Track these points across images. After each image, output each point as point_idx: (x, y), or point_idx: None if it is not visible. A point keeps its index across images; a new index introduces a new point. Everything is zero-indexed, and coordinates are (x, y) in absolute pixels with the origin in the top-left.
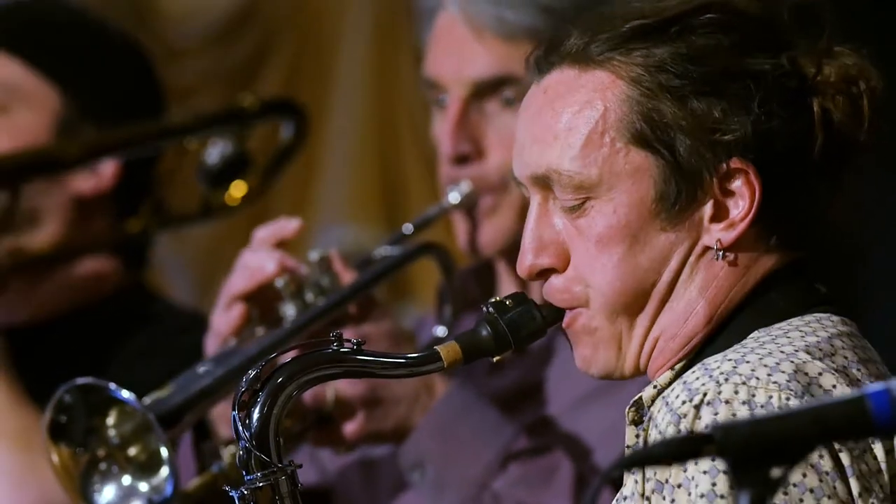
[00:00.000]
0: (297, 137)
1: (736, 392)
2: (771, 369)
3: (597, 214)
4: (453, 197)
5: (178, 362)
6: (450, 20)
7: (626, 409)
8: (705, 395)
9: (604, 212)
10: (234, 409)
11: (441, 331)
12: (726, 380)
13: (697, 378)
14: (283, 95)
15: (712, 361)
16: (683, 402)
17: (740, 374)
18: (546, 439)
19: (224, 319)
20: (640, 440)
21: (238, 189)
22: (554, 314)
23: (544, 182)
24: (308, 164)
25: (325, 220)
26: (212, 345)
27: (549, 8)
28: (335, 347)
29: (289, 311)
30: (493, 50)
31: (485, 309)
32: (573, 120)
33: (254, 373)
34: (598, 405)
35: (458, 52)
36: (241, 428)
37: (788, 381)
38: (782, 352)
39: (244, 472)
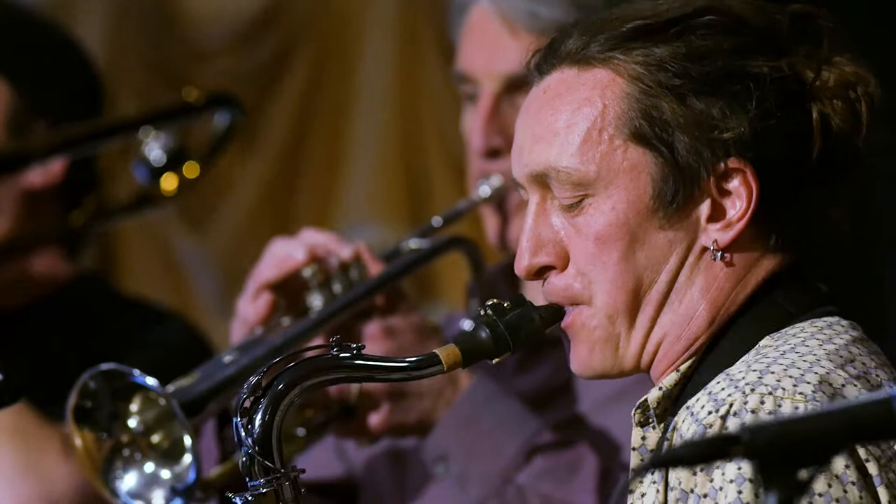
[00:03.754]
0: (230, 128)
1: (762, 402)
2: (796, 380)
3: (595, 212)
4: (483, 191)
5: (134, 359)
6: (482, 15)
7: (633, 411)
8: (731, 405)
9: (602, 209)
10: (235, 416)
11: (468, 324)
12: (752, 390)
13: (723, 389)
14: (223, 89)
15: (736, 372)
16: (709, 413)
17: (766, 385)
18: (571, 434)
19: (251, 308)
20: (647, 442)
21: (171, 181)
22: (552, 315)
23: (542, 180)
24: (332, 165)
25: (349, 220)
26: (237, 332)
27: (580, 3)
28: (335, 353)
29: (315, 301)
30: (525, 45)
31: (482, 311)
32: (572, 117)
33: (255, 379)
34: (625, 404)
35: (491, 47)
36: (243, 434)
37: (814, 391)
38: (805, 361)
39: (247, 478)
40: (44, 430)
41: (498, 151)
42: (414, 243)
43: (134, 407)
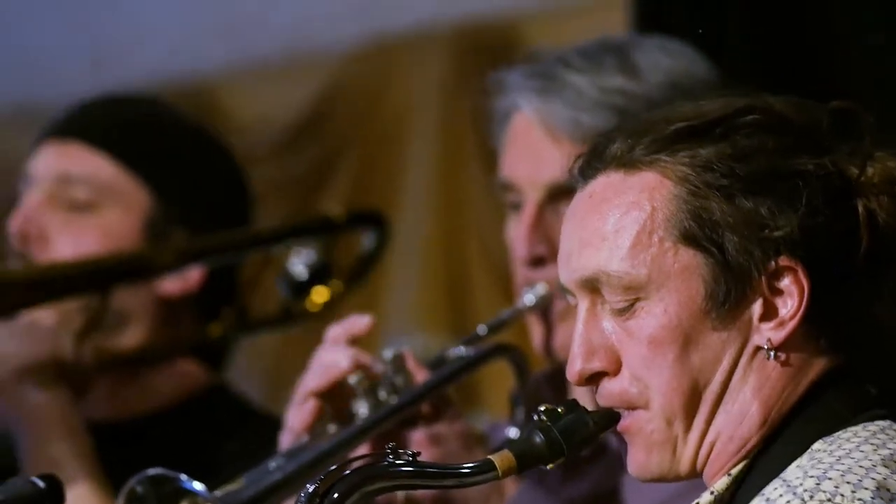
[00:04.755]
0: (378, 247)
1: None
2: (854, 486)
3: (647, 315)
4: (528, 299)
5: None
6: (525, 123)
7: None
8: None
9: (654, 312)
10: None
11: (514, 432)
12: (811, 497)
13: (780, 496)
14: (368, 206)
15: (793, 477)
16: None
17: (824, 492)
18: None
19: (298, 416)
20: None
21: (320, 296)
22: (606, 420)
23: (592, 285)
24: (375, 273)
25: (393, 328)
26: (286, 441)
27: (625, 111)
28: (391, 460)
29: (361, 408)
30: (568, 153)
31: (536, 417)
32: (621, 221)
33: (312, 487)
34: None
35: (534, 155)
36: None
37: (872, 497)
38: (861, 466)
39: None
40: None
41: (542, 260)
42: (459, 351)
43: None
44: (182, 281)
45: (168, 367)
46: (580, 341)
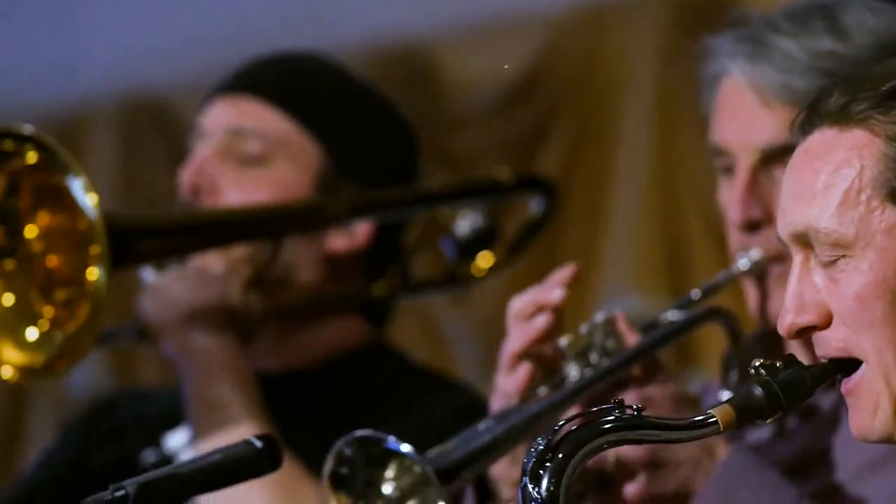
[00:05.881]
0: (545, 214)
1: None
2: None
3: (853, 271)
4: (742, 264)
5: (415, 425)
6: (735, 87)
7: None
8: None
9: (860, 269)
10: (523, 478)
11: (726, 395)
12: None
13: None
14: (535, 172)
15: None
16: None
17: None
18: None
19: (510, 380)
20: None
21: (485, 260)
22: (822, 374)
23: (804, 240)
24: (593, 235)
25: (610, 289)
26: (496, 404)
27: (834, 74)
28: (618, 414)
29: (572, 371)
30: (780, 117)
31: (754, 371)
32: (831, 178)
33: (543, 443)
34: (888, 471)
35: (745, 120)
36: (531, 498)
37: None
38: None
39: None
40: (310, 490)
41: (757, 224)
42: (672, 315)
43: (389, 473)
44: (349, 238)
45: (331, 323)
46: (792, 295)
